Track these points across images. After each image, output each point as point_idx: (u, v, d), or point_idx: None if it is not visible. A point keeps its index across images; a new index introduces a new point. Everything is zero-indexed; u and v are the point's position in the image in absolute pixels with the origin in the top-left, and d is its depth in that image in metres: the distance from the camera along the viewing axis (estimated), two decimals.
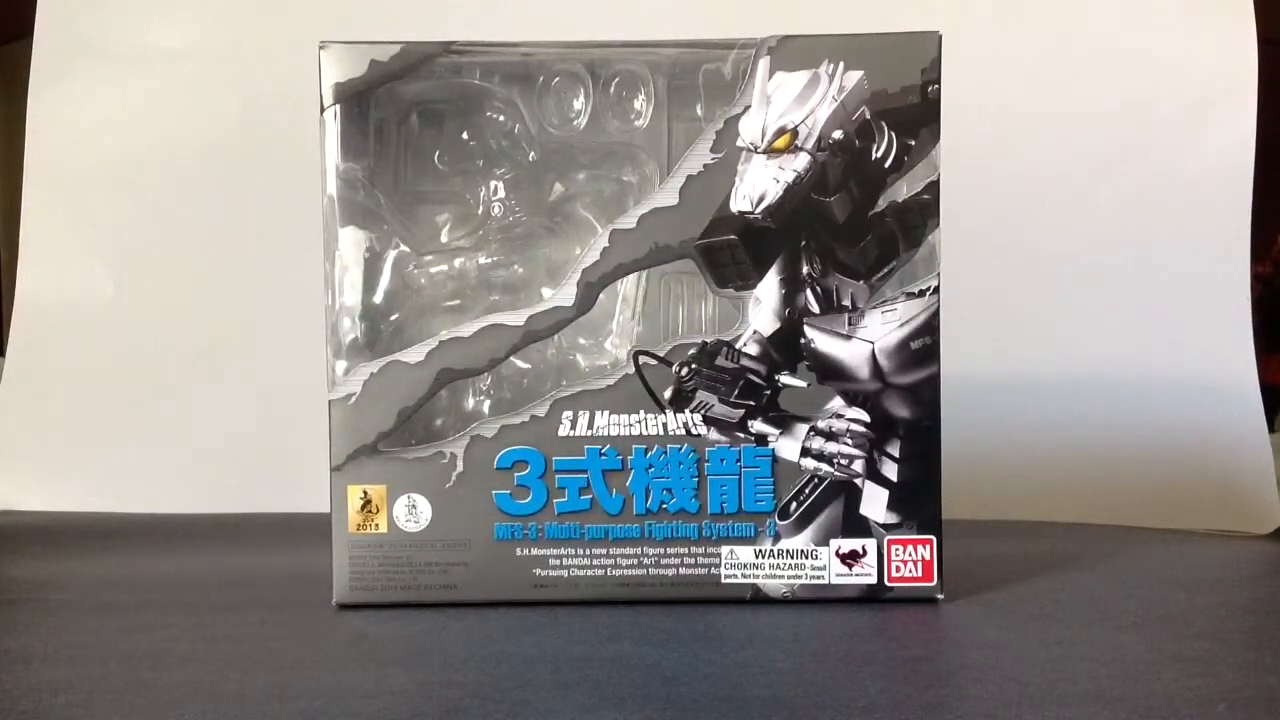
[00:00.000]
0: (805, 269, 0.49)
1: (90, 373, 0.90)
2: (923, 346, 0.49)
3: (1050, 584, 0.55)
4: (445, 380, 0.49)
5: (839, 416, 0.49)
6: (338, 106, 0.49)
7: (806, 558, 0.50)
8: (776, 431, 0.49)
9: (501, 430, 0.49)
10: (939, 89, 0.49)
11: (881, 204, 0.49)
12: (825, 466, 0.49)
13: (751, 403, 0.49)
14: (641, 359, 0.49)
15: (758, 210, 0.49)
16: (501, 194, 0.51)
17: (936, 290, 0.49)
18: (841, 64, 0.48)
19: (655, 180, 0.50)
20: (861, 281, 0.49)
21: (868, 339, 0.49)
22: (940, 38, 0.49)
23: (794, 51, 0.48)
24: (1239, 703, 0.36)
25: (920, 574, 0.50)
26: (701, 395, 0.49)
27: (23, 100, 0.92)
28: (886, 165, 0.49)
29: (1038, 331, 0.87)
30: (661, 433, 0.49)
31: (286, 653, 0.43)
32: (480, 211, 0.52)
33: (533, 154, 0.51)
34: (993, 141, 0.84)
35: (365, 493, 0.49)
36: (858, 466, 0.49)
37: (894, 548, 0.50)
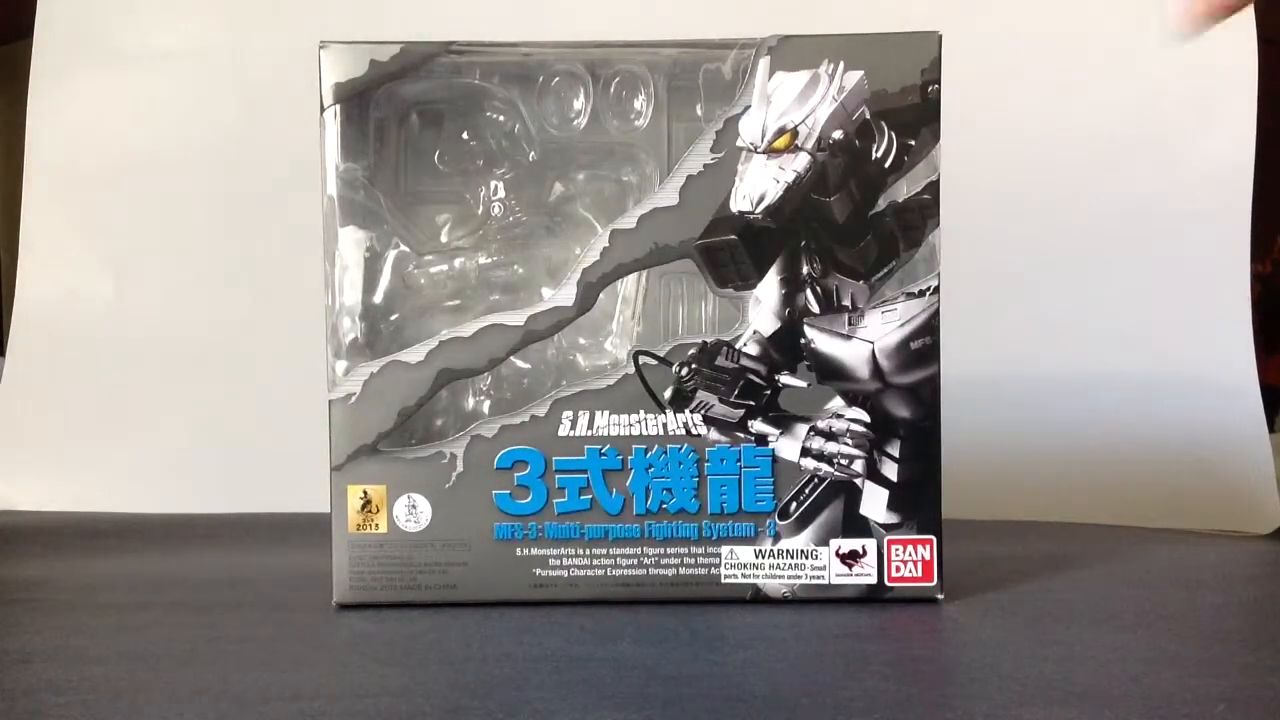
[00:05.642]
0: (805, 269, 0.49)
1: (90, 373, 0.91)
2: (923, 346, 0.49)
3: (1050, 584, 0.55)
4: (445, 380, 0.49)
5: (839, 416, 0.49)
6: (338, 106, 0.49)
7: (806, 558, 0.50)
8: (776, 431, 0.49)
9: (501, 430, 0.49)
10: (939, 89, 0.49)
11: (881, 204, 0.49)
12: (825, 466, 0.49)
13: (751, 403, 0.49)
14: (641, 359, 0.49)
15: (758, 210, 0.49)
16: (501, 194, 0.51)
17: (936, 290, 0.49)
18: (841, 64, 0.48)
19: (655, 180, 0.50)
20: (861, 281, 0.49)
21: (868, 339, 0.49)
22: (940, 38, 0.49)
23: (794, 51, 0.48)
24: (1239, 703, 0.36)
25: (920, 574, 0.50)
26: (701, 395, 0.49)
27: (23, 100, 0.92)
28: (886, 165, 0.49)
29: (1038, 331, 0.87)
30: (661, 433, 0.49)
31: (286, 653, 0.43)
32: (480, 211, 0.52)
33: (533, 154, 0.51)
34: (993, 141, 0.84)
35: (365, 493, 0.49)
36: (858, 466, 0.49)
37: (894, 548, 0.50)
